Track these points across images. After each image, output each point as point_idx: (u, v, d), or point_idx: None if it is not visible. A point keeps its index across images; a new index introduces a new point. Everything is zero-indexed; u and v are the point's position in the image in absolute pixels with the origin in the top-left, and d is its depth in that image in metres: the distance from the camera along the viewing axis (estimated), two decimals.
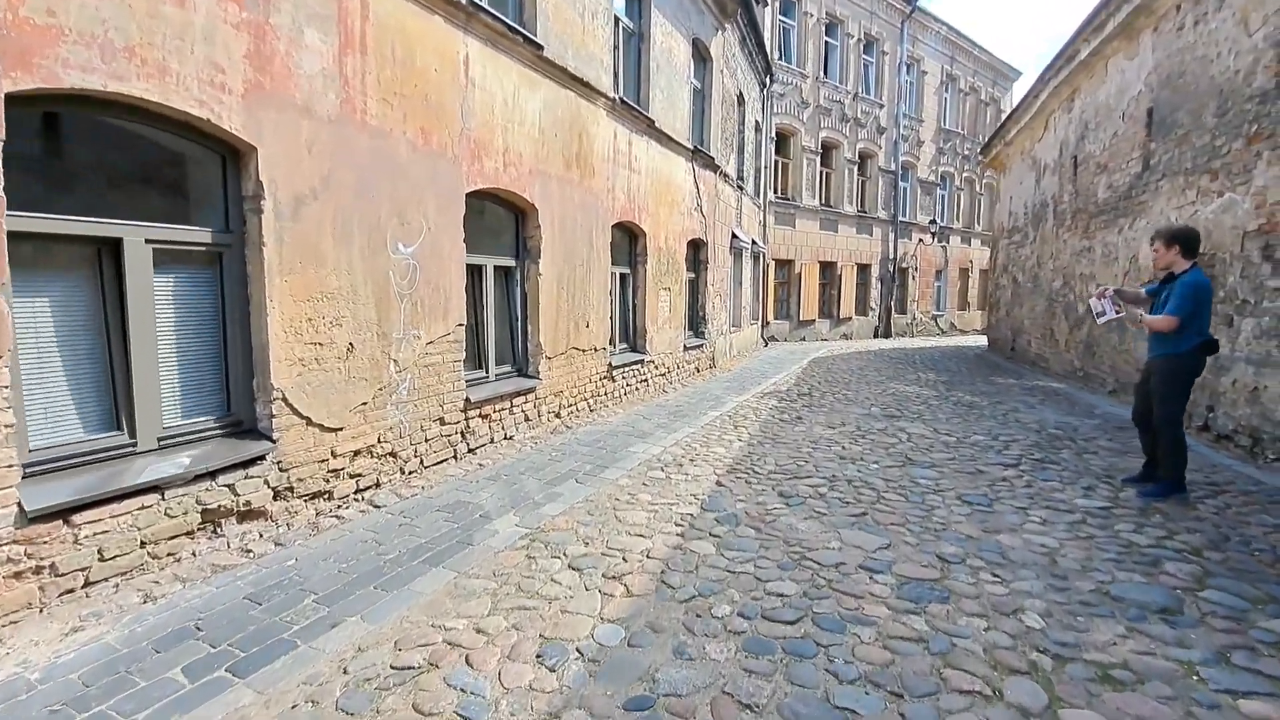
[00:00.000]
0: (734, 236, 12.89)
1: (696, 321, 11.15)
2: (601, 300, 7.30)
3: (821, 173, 19.50)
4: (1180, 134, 6.66)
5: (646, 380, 8.76)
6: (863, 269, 21.50)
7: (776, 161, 18.23)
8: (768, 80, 15.86)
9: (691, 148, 9.78)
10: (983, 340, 21.18)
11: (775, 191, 18.23)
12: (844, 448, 5.84)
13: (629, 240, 8.48)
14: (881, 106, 21.04)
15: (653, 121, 8.22)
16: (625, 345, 8.53)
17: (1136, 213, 7.68)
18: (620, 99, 7.26)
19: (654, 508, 4.15)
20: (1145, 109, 7.55)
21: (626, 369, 8.09)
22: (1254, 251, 5.36)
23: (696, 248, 11.01)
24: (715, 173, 11.17)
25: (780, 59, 17.44)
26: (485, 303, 5.54)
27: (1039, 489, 4.59)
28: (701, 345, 10.94)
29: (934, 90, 23.52)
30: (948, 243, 24.98)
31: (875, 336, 22.04)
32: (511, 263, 5.96)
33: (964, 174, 25.62)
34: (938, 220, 23.77)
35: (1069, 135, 10.31)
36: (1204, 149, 6.16)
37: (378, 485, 4.33)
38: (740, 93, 13.04)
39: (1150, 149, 7.40)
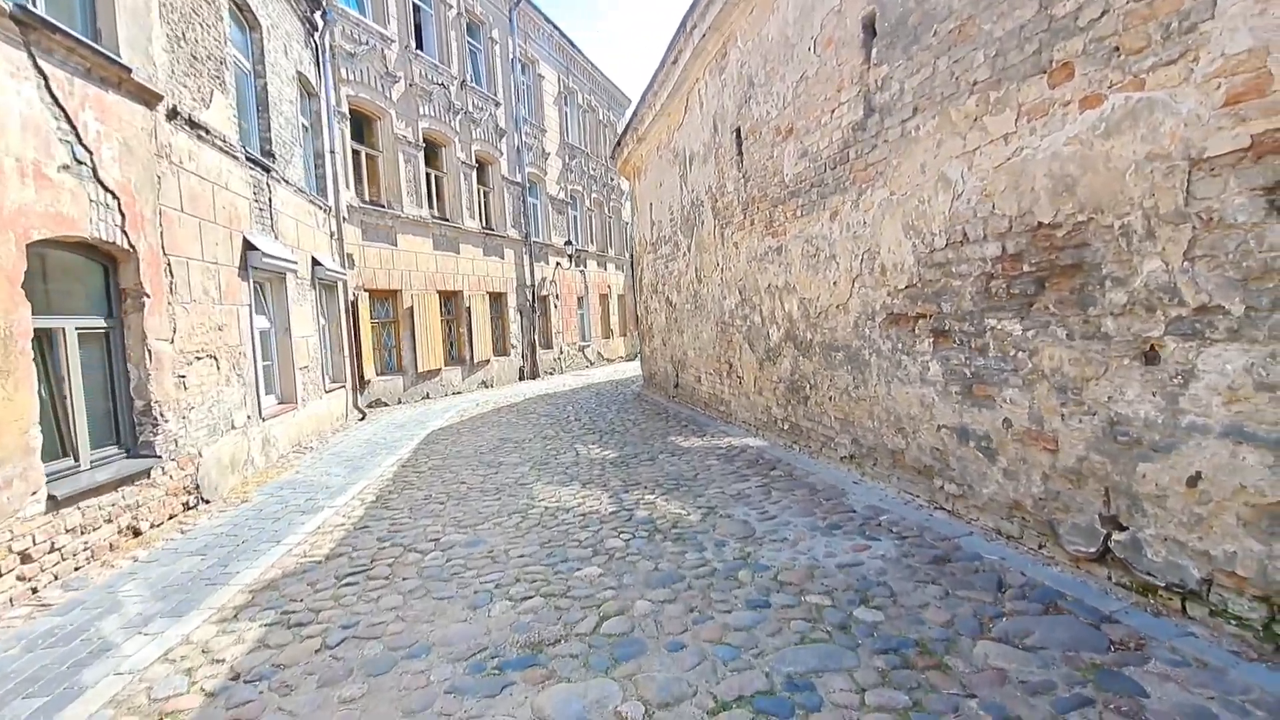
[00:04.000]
0: (250, 247, 7.21)
1: (124, 426, 5.15)
2: None
3: (429, 175, 14.89)
4: (952, 29, 3.82)
5: None
6: (496, 298, 17.57)
7: (359, 152, 12.94)
8: (317, 18, 10.54)
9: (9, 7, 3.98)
10: (635, 369, 19.31)
11: (360, 195, 12.88)
12: None
13: None
14: (498, 104, 17.55)
15: None
16: None
17: (864, 183, 4.87)
18: None
19: None
20: (860, 20, 4.77)
21: None
22: (1235, 196, 2.43)
23: (109, 265, 5.08)
24: (150, 106, 5.45)
25: (342, 3, 12.27)
26: None
27: None
28: (140, 478, 5.03)
29: (553, 100, 21.23)
30: (586, 267, 23.01)
31: (521, 379, 18.32)
32: None
33: (593, 195, 24.13)
34: (574, 241, 21.48)
35: (725, 104, 7.68)
36: (1030, 34, 3.28)
37: None
38: None
39: (878, 80, 4.61)
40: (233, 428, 6.63)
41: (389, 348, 13.56)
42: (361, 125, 13.14)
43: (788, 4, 5.85)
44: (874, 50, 4.64)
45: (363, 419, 11.30)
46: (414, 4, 14.44)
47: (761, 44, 6.49)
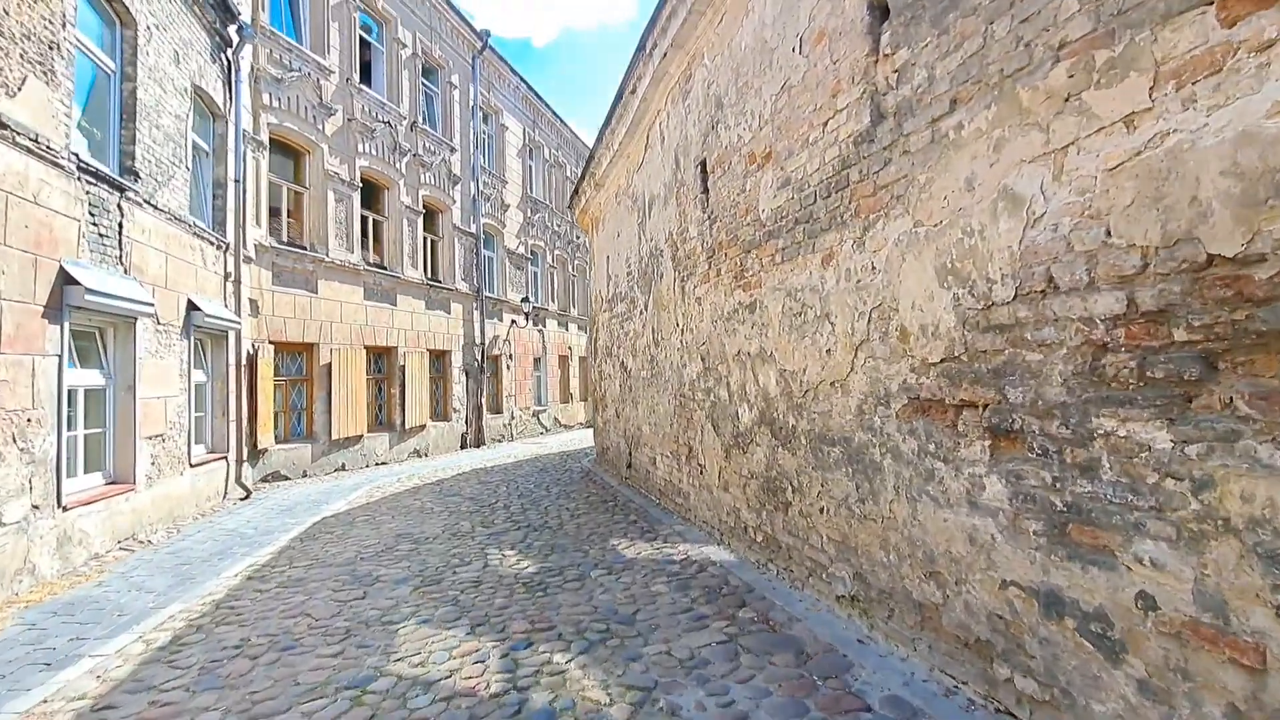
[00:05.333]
0: (70, 280, 5.52)
1: None
2: None
3: (366, 218, 13.44)
4: None
5: None
6: (439, 357, 15.88)
7: (280, 188, 11.44)
8: (231, 32, 9.23)
9: None
10: (590, 438, 17.55)
11: (276, 234, 11.31)
12: None
13: None
14: (453, 150, 16.42)
15: None
16: None
17: (872, 213, 3.49)
18: None
19: None
20: (865, 1, 3.52)
21: None
22: None
23: None
24: None
25: (273, 25, 11.06)
26: None
27: None
28: None
29: (517, 152, 20.30)
30: (545, 327, 21.56)
31: (463, 447, 16.41)
32: None
33: (556, 252, 22.98)
34: (531, 299, 20.09)
35: (688, 134, 6.44)
36: None
37: None
38: None
39: (891, 73, 3.31)
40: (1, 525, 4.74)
41: (298, 410, 11.66)
42: (287, 158, 11.70)
43: (765, 1, 4.65)
44: (884, 35, 3.36)
45: (246, 498, 9.29)
46: (361, 38, 13.37)
47: (732, 56, 5.28)
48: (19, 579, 4.96)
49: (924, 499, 3.13)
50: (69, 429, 5.97)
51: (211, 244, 8.82)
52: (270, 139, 10.93)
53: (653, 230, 7.93)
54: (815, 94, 4.05)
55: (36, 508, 5.18)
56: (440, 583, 5.06)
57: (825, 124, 3.94)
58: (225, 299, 9.25)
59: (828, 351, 3.96)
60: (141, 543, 6.66)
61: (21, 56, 5.04)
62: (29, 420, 5.09)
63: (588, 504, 8.29)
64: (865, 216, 3.55)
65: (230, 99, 9.43)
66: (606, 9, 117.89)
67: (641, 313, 8.64)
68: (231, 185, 9.40)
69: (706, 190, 6.00)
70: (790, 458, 4.47)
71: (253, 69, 10.44)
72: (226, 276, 9.33)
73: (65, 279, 5.52)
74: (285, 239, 11.46)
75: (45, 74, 5.32)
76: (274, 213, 11.27)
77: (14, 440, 4.92)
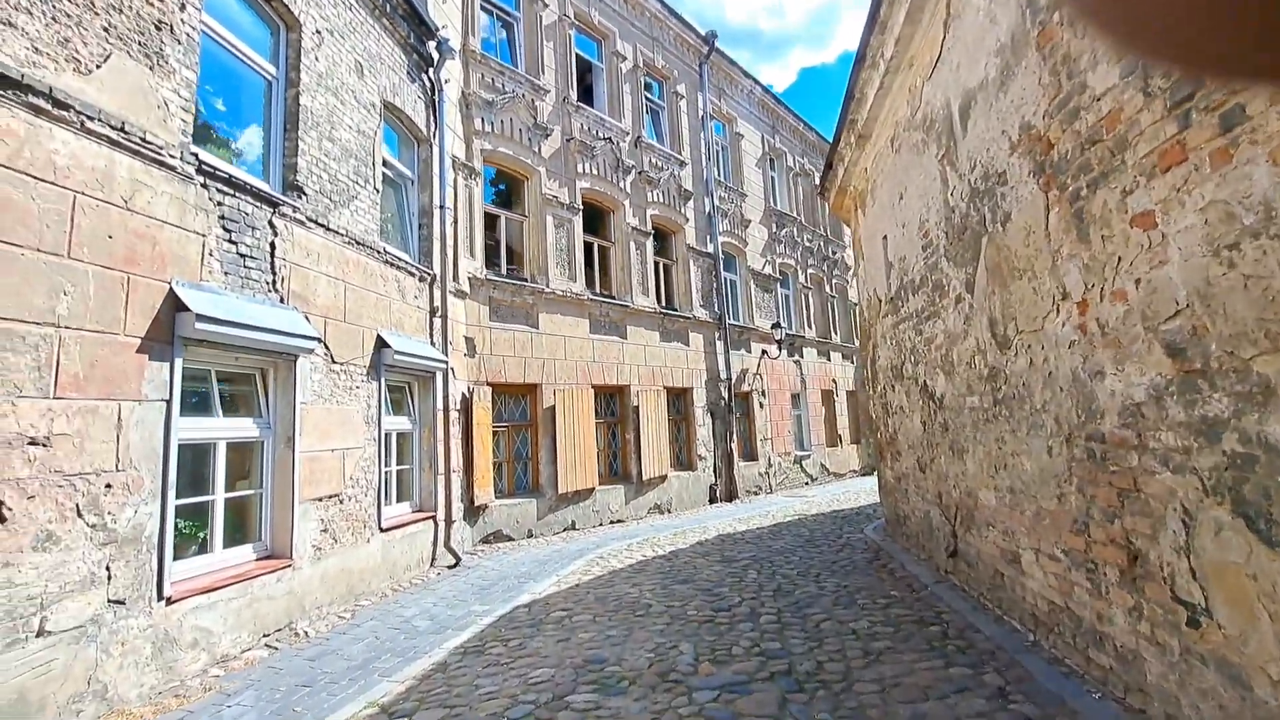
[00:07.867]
0: (181, 307, 4.39)
1: None
2: None
3: (590, 244, 12.14)
4: None
5: None
6: (678, 396, 13.81)
7: (497, 218, 10.61)
8: (430, 49, 8.48)
9: None
10: (871, 488, 13.59)
11: (494, 266, 10.41)
12: None
13: None
14: (683, 164, 14.68)
15: None
16: None
17: None
18: None
19: None
20: None
21: None
22: None
23: None
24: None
25: (484, 50, 10.41)
26: None
27: None
28: None
29: (755, 161, 17.94)
30: (802, 356, 18.36)
31: (712, 501, 13.93)
32: None
33: (809, 270, 19.78)
34: (783, 325, 17.16)
35: None
36: None
37: None
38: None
39: None
40: (41, 634, 3.46)
41: (523, 460, 10.39)
42: (501, 184, 10.91)
43: None
44: None
45: (455, 566, 7.93)
46: (577, 55, 12.40)
47: None
48: (75, 708, 3.63)
49: None
50: (206, 492, 4.87)
51: (412, 275, 7.88)
52: (484, 165, 10.15)
53: (974, 150, 4.58)
54: None
55: (119, 603, 3.91)
56: None
57: None
58: (431, 336, 8.24)
59: None
60: (297, 635, 5.32)
61: (106, 30, 4.07)
62: (107, 486, 3.88)
63: (886, 621, 4.96)
64: None
65: (434, 121, 8.67)
66: (847, 40, 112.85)
67: (958, 301, 5.21)
68: (437, 213, 8.51)
69: None
70: None
71: (463, 94, 9.78)
72: (433, 312, 8.36)
73: (176, 305, 4.41)
74: (504, 271, 10.52)
75: (147, 56, 4.35)
76: (490, 243, 10.42)
77: (77, 513, 3.69)
